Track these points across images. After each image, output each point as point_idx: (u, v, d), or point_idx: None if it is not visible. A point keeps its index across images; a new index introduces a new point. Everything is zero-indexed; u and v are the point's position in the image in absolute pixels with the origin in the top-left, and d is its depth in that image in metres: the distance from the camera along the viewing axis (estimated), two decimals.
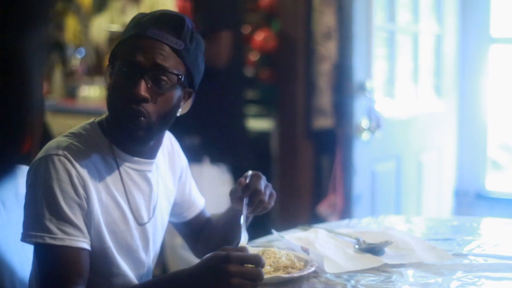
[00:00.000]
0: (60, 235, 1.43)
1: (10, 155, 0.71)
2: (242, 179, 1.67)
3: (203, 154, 3.19)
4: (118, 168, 1.55)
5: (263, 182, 1.67)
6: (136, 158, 1.58)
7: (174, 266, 3.21)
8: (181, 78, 1.52)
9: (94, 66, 5.43)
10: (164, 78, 1.50)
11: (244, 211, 1.66)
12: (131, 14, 4.98)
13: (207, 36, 3.07)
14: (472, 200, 4.45)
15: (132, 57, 1.48)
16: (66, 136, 1.53)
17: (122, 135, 1.53)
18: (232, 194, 1.71)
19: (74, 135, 1.54)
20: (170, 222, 1.83)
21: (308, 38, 3.56)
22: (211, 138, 3.22)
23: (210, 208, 1.92)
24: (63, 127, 1.62)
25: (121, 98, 1.49)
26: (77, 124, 1.60)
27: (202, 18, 3.13)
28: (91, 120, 1.60)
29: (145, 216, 1.62)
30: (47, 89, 2.61)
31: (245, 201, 1.67)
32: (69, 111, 4.22)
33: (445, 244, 1.87)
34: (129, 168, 1.58)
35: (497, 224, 2.26)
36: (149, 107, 1.49)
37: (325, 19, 3.50)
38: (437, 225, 2.20)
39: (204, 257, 1.40)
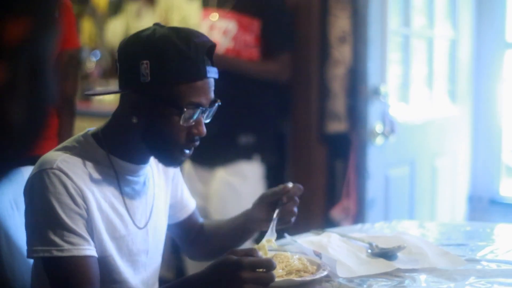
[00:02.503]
0: (66, 246, 1.43)
1: (21, 156, 0.72)
2: (287, 185, 1.74)
3: (255, 152, 3.32)
4: (116, 175, 1.56)
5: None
6: (132, 164, 1.59)
7: (192, 268, 3.22)
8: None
9: (109, 68, 5.45)
10: None
11: (275, 216, 1.73)
12: (146, 17, 5.00)
13: (271, 55, 3.20)
14: (486, 205, 4.43)
15: (199, 101, 1.50)
16: (58, 150, 1.54)
17: (166, 164, 1.60)
18: (265, 198, 1.77)
19: (66, 148, 1.54)
20: None
21: (323, 42, 3.55)
22: (265, 139, 3.38)
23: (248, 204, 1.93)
24: (78, 130, 1.63)
25: (182, 138, 1.53)
26: (92, 127, 1.61)
27: (268, 37, 3.28)
28: (84, 131, 1.60)
29: (143, 219, 1.63)
30: (72, 89, 2.62)
31: (279, 205, 1.74)
32: (84, 114, 4.22)
33: (458, 249, 1.87)
34: (126, 174, 1.59)
35: (511, 230, 2.25)
36: None
37: (340, 23, 3.50)
38: (450, 230, 2.19)
39: (215, 262, 1.40)
